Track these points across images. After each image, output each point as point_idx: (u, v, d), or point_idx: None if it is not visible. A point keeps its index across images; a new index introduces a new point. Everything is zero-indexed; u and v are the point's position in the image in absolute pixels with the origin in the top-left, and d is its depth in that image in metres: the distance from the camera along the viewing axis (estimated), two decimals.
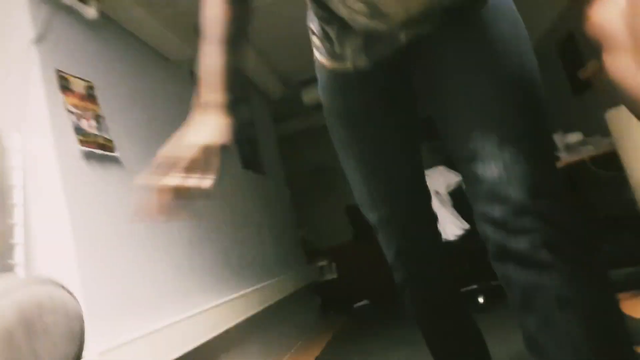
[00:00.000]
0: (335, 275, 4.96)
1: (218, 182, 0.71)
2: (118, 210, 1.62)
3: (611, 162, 2.54)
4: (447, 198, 3.20)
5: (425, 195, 0.96)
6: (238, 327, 2.35)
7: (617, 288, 2.25)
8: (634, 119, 0.59)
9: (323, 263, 4.85)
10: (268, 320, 2.80)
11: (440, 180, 3.26)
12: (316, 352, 2.68)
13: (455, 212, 3.12)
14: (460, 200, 3.24)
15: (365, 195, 0.90)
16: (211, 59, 0.71)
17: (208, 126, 0.69)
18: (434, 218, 0.97)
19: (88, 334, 1.05)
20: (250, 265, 2.80)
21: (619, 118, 2.33)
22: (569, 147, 2.79)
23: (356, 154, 0.89)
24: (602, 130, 2.55)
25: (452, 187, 3.27)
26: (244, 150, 3.18)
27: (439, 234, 0.99)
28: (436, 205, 3.16)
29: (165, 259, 1.89)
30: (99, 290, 1.43)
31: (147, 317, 1.61)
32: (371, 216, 0.91)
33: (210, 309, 2.08)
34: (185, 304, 1.95)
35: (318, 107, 0.96)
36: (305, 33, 0.88)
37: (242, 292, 2.49)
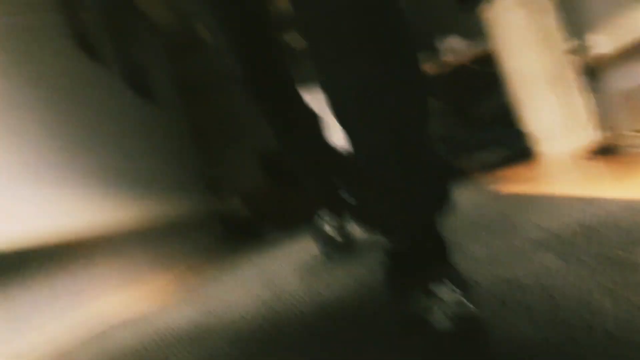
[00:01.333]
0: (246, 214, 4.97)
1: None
2: None
3: (489, 61, 2.70)
4: None
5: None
6: (117, 235, 2.28)
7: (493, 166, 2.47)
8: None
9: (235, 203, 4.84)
10: (159, 236, 2.75)
11: None
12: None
13: None
14: None
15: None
16: None
17: None
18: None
19: None
20: (140, 183, 2.71)
21: (497, 20, 2.48)
22: (450, 50, 2.93)
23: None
24: (482, 32, 2.68)
25: None
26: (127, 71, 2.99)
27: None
28: None
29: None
30: None
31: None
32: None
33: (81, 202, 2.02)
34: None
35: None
36: None
37: (129, 200, 2.41)
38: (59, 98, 2.12)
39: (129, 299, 2.16)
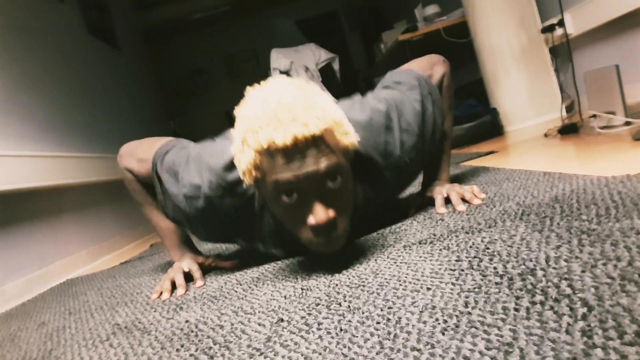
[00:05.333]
0: None
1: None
2: None
3: (462, 31, 2.71)
4: (316, 74, 3.21)
5: None
6: (89, 187, 2.20)
7: (463, 142, 2.50)
8: None
9: None
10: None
11: (309, 57, 3.23)
12: None
13: (323, 87, 3.14)
14: (328, 77, 3.27)
15: None
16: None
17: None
18: None
19: None
20: (104, 135, 2.58)
21: None
22: (426, 19, 2.90)
23: None
24: (460, 4, 2.66)
25: (321, 64, 3.27)
26: (89, 13, 2.80)
27: None
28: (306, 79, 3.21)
29: None
30: None
31: None
32: None
33: (48, 156, 1.92)
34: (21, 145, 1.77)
35: None
36: None
37: (90, 155, 2.31)
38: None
39: (94, 257, 2.10)
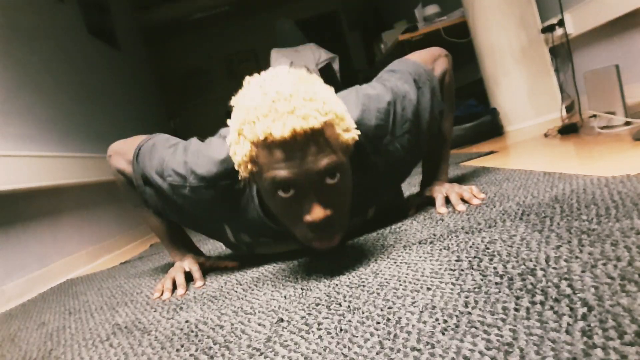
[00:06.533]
0: None
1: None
2: None
3: (462, 31, 2.71)
4: (316, 74, 3.21)
5: None
6: (89, 187, 2.20)
7: (463, 142, 2.50)
8: None
9: None
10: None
11: (309, 57, 3.23)
12: None
13: None
14: (328, 77, 3.27)
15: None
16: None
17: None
18: None
19: None
20: (104, 135, 2.58)
21: None
22: (426, 19, 2.91)
23: None
24: (460, 3, 2.66)
25: (321, 64, 3.26)
26: (89, 13, 2.80)
27: None
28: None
29: None
30: None
31: None
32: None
33: (50, 156, 1.92)
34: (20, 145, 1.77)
35: None
36: None
37: (90, 155, 2.31)
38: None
39: (94, 257, 2.10)
